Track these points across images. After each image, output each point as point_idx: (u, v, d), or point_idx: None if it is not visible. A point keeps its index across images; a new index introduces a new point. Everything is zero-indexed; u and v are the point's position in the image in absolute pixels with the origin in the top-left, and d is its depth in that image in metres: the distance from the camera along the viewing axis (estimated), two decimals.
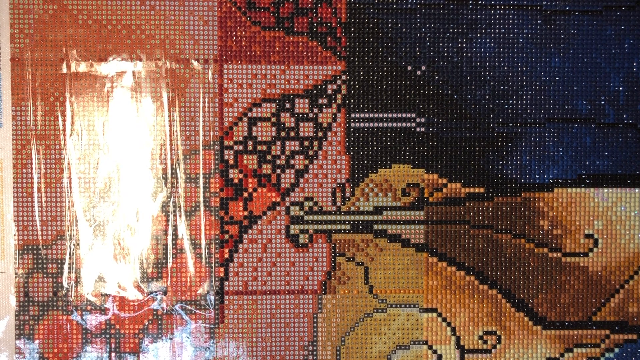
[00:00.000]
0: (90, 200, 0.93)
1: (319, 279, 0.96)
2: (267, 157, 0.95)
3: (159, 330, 0.94)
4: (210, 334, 0.95)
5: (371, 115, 0.96)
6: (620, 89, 0.98)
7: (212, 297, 0.95)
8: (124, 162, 0.94)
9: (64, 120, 0.93)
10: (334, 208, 0.96)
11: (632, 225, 0.99)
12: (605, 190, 0.99)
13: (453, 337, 0.98)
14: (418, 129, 0.97)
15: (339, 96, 0.96)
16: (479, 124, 0.97)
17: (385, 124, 0.96)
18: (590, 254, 0.99)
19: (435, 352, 0.98)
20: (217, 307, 0.95)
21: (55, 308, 0.93)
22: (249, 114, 0.95)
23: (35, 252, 0.93)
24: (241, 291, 0.96)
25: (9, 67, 0.92)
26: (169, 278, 0.94)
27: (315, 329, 0.96)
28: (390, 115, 0.96)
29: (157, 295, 0.94)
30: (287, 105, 0.95)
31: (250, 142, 0.95)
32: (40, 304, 0.93)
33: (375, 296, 0.97)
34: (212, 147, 0.95)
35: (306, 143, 0.96)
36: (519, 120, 0.98)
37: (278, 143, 0.95)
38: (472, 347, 0.98)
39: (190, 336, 0.95)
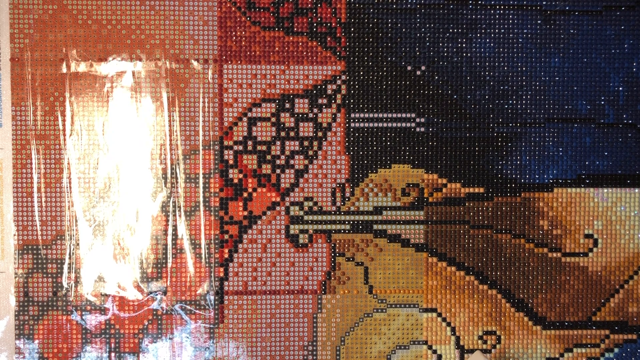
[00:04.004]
0: (90, 200, 0.93)
1: (319, 279, 0.96)
2: (267, 157, 0.95)
3: (158, 330, 0.94)
4: (210, 334, 0.95)
5: (371, 115, 0.96)
6: (620, 89, 0.98)
7: (212, 297, 0.95)
8: (123, 162, 0.94)
9: (63, 120, 0.93)
10: (334, 208, 0.96)
11: (632, 225, 0.99)
12: (605, 190, 0.99)
13: (453, 337, 0.98)
14: (418, 129, 0.97)
15: (338, 96, 0.96)
16: (479, 124, 0.97)
17: (385, 124, 0.96)
18: (590, 254, 0.99)
19: (435, 352, 0.98)
20: (216, 307, 0.95)
21: (55, 308, 0.93)
22: (249, 114, 0.95)
23: (35, 252, 0.93)
24: (241, 291, 0.96)
25: (9, 67, 0.92)
26: (168, 278, 0.94)
27: (315, 329, 0.96)
28: (390, 115, 0.96)
29: (156, 295, 0.94)
30: (287, 105, 0.95)
31: (250, 142, 0.95)
32: (40, 304, 0.93)
33: (375, 296, 0.97)
34: (212, 147, 0.95)
35: (306, 143, 0.96)
36: (518, 120, 0.98)
37: (278, 143, 0.95)
38: (472, 347, 0.98)
39: (190, 336, 0.95)
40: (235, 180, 0.95)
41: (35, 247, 0.93)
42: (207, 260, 0.95)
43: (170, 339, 0.95)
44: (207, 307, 0.95)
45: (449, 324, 0.98)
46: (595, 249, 0.99)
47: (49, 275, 0.93)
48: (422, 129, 0.97)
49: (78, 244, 0.93)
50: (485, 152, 0.97)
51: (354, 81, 0.96)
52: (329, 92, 0.96)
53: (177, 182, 0.94)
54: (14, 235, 0.93)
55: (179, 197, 0.94)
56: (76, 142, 0.93)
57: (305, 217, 0.96)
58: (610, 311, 0.99)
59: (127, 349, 0.94)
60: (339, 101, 0.96)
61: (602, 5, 0.98)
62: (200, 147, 0.94)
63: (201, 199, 0.94)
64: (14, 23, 0.92)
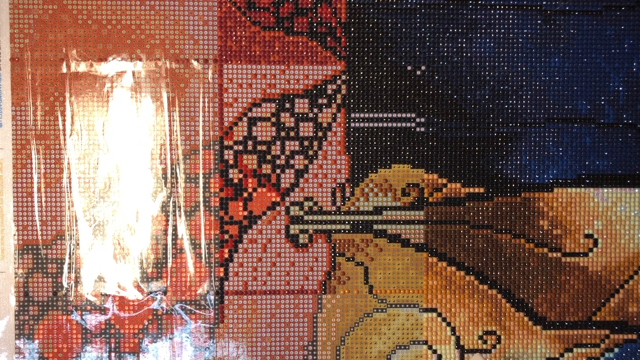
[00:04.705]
0: (90, 200, 0.93)
1: (319, 279, 0.96)
2: (267, 157, 0.95)
3: (158, 330, 0.94)
4: (210, 334, 0.95)
5: (371, 115, 0.96)
6: (620, 89, 0.98)
7: (212, 297, 0.95)
8: (124, 162, 0.94)
9: (63, 120, 0.93)
10: (334, 208, 0.96)
11: (632, 225, 0.99)
12: (605, 190, 0.99)
13: (453, 337, 0.98)
14: (418, 129, 0.97)
15: (338, 96, 0.96)
16: (479, 124, 0.97)
17: (385, 124, 0.96)
18: (590, 254, 0.99)
19: (435, 352, 0.98)
20: (216, 307, 0.95)
21: (55, 308, 0.93)
22: (249, 114, 0.95)
23: (35, 252, 0.93)
24: (241, 291, 0.96)
25: (9, 67, 0.92)
26: (168, 278, 0.94)
27: (315, 329, 0.96)
28: (390, 115, 0.96)
29: (157, 295, 0.94)
30: (287, 105, 0.95)
31: (250, 142, 0.95)
32: (40, 304, 0.93)
33: (375, 296, 0.97)
34: (212, 147, 0.95)
35: (306, 143, 0.96)
36: (518, 120, 0.98)
37: (278, 143, 0.95)
38: (472, 347, 0.98)
39: (190, 336, 0.95)
40: (235, 180, 0.95)
41: (35, 247, 0.93)
42: (207, 260, 0.95)
43: (170, 338, 0.95)
44: (207, 307, 0.95)
45: (449, 324, 0.98)
46: (595, 249, 0.99)
47: (49, 275, 0.93)
48: (422, 129, 0.97)
49: (78, 244, 0.93)
50: (485, 152, 0.97)
51: (354, 81, 0.96)
52: (329, 92, 0.96)
53: (177, 182, 0.94)
54: (14, 235, 0.93)
55: (179, 197, 0.94)
56: (76, 142, 0.93)
57: (305, 217, 0.96)
58: (610, 311, 0.99)
59: (127, 349, 0.94)
60: (339, 101, 0.96)
61: (602, 5, 0.98)
62: (200, 147, 0.94)
63: (201, 199, 0.94)
64: (14, 23, 0.92)
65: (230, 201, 0.95)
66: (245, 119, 0.95)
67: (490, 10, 0.97)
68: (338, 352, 0.97)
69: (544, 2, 0.97)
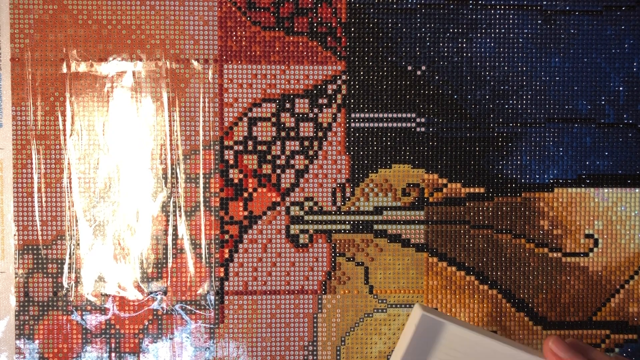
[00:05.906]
0: (90, 200, 0.93)
1: (319, 279, 0.96)
2: (267, 157, 0.95)
3: (159, 331, 0.94)
4: (210, 334, 0.95)
5: (371, 115, 0.96)
6: (621, 89, 0.98)
7: (212, 297, 0.95)
8: (124, 162, 0.94)
9: (64, 120, 0.93)
10: (334, 208, 0.96)
11: (632, 225, 0.99)
12: (606, 190, 0.99)
13: None
14: (418, 129, 0.97)
15: (339, 96, 0.96)
16: (479, 124, 0.97)
17: (385, 124, 0.96)
18: (591, 254, 0.99)
19: None
20: (217, 307, 0.95)
21: (55, 308, 0.93)
22: (249, 114, 0.95)
23: (35, 252, 0.93)
24: (241, 291, 0.96)
25: (9, 67, 0.92)
26: (169, 278, 0.94)
27: (315, 329, 0.96)
28: (390, 115, 0.96)
29: (157, 295, 0.94)
30: (287, 105, 0.95)
31: (250, 142, 0.95)
32: (40, 304, 0.93)
33: (375, 296, 0.97)
34: (212, 147, 0.95)
35: (306, 143, 0.96)
36: (519, 120, 0.98)
37: (278, 143, 0.95)
38: None
39: (190, 336, 0.95)
40: (236, 180, 0.95)
41: (35, 247, 0.93)
42: (207, 260, 0.95)
43: (170, 339, 0.95)
44: (207, 307, 0.95)
45: None
46: (595, 249, 0.99)
47: (49, 275, 0.93)
48: (423, 129, 0.97)
49: (78, 244, 0.93)
50: (485, 152, 0.97)
51: (354, 81, 0.96)
52: (329, 92, 0.96)
53: (177, 182, 0.94)
54: (14, 235, 0.93)
55: (179, 197, 0.94)
56: (76, 142, 0.93)
57: (306, 217, 0.96)
58: (610, 311, 0.99)
59: (127, 349, 0.94)
60: (339, 101, 0.96)
61: (602, 5, 0.98)
62: (201, 147, 0.94)
63: (201, 199, 0.94)
64: (14, 23, 0.92)
65: (231, 201, 0.95)
66: (245, 119, 0.95)
67: (491, 10, 0.97)
68: (338, 352, 0.97)
69: (544, 2, 0.97)
